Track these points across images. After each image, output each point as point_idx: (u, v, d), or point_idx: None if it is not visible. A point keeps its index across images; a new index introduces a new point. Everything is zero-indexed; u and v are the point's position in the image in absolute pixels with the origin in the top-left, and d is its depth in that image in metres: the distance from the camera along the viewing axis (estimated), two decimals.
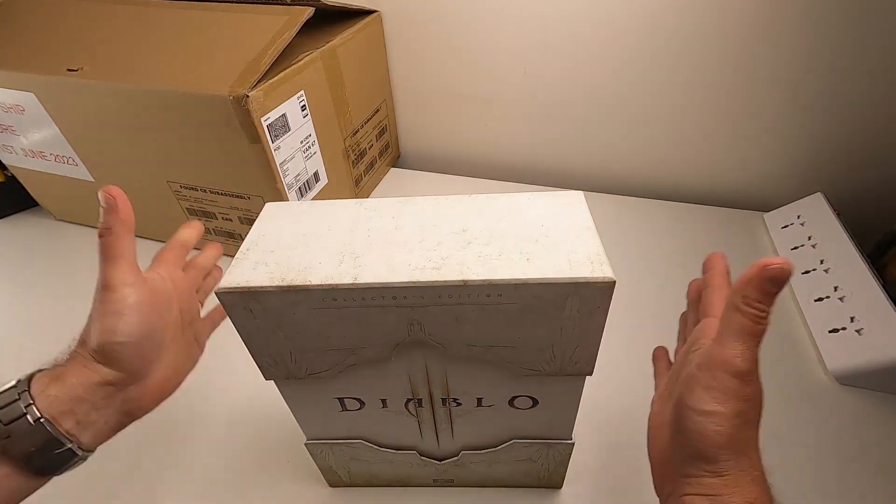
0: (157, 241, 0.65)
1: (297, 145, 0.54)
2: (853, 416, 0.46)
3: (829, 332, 0.49)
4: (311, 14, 0.52)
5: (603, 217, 0.68)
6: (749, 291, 0.24)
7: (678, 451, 0.25)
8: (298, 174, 0.55)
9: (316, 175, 0.59)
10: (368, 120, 0.69)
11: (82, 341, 0.27)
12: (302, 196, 0.57)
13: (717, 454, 0.23)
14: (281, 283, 0.24)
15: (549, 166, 0.76)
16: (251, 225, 0.54)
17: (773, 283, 0.23)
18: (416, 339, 0.26)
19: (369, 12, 0.67)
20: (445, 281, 0.23)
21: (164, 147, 0.53)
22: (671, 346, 0.52)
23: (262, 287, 0.24)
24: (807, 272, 0.55)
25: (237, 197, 0.55)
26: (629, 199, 0.71)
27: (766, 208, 0.67)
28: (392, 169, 0.80)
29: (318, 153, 0.58)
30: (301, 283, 0.24)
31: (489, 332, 0.26)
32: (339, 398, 0.31)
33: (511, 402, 0.31)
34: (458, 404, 0.31)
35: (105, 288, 0.27)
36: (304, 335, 0.26)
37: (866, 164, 0.62)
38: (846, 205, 0.63)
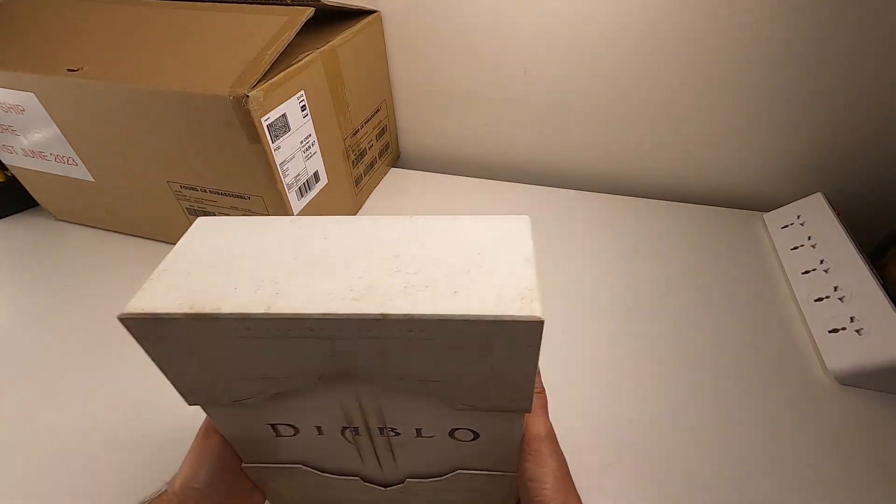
0: (157, 240, 0.67)
1: (297, 145, 0.54)
2: (853, 416, 0.46)
3: (829, 332, 0.49)
4: (312, 14, 0.52)
5: (603, 217, 0.69)
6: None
7: None
8: (298, 174, 0.55)
9: (316, 175, 0.59)
10: (368, 120, 0.69)
11: (172, 482, 0.31)
12: (302, 196, 0.57)
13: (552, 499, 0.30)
14: (189, 311, 0.22)
15: (549, 166, 0.76)
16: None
17: None
18: (341, 370, 0.25)
19: (369, 12, 0.67)
20: (363, 314, 0.22)
21: (164, 147, 0.53)
22: (677, 347, 0.53)
23: (168, 314, 0.22)
24: (807, 272, 0.55)
25: (237, 197, 0.55)
26: (629, 199, 0.71)
27: (766, 208, 0.67)
28: (392, 169, 0.80)
29: (318, 153, 0.58)
30: (210, 311, 0.22)
31: (417, 366, 0.24)
32: (270, 424, 0.29)
33: (451, 434, 0.30)
34: (397, 434, 0.30)
35: (206, 431, 0.31)
36: (221, 363, 0.25)
37: (866, 164, 0.62)
38: (846, 205, 0.63)
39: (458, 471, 0.33)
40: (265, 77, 0.48)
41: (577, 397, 0.47)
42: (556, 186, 0.74)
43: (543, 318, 0.22)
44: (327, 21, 0.62)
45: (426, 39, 0.68)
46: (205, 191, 0.56)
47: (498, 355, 0.23)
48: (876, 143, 0.61)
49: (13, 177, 0.68)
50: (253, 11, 0.54)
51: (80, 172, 0.61)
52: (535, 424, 0.31)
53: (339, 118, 0.62)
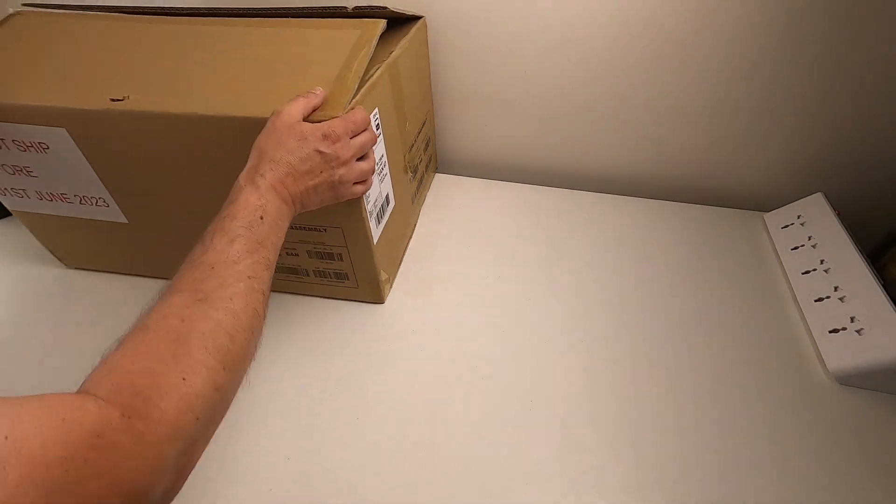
0: None
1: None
2: (853, 416, 0.46)
3: (829, 332, 0.49)
4: (385, 28, 0.48)
5: (602, 217, 0.69)
6: None
7: None
8: (376, 199, 0.50)
9: (388, 198, 0.53)
10: (420, 133, 0.64)
11: None
12: (379, 223, 0.52)
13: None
14: None
15: (546, 165, 0.76)
16: (322, 259, 0.53)
17: None
18: None
19: (415, 18, 0.60)
20: None
21: (226, 179, 0.44)
22: (677, 347, 0.53)
23: None
24: (807, 272, 0.55)
25: (310, 230, 0.50)
26: (629, 199, 0.71)
27: (766, 208, 0.67)
28: (435, 175, 0.77)
29: (388, 175, 0.53)
30: None
31: None
32: None
33: None
34: None
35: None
36: None
37: (866, 164, 0.62)
38: (846, 205, 0.63)
39: None
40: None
41: (577, 397, 0.47)
42: (554, 186, 0.74)
43: None
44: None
45: (462, 42, 0.66)
46: None
47: None
48: (876, 143, 0.61)
49: None
50: (316, 26, 0.49)
51: (112, 214, 0.53)
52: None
53: (401, 134, 0.56)
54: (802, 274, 0.56)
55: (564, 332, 0.53)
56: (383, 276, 0.55)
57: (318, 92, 0.41)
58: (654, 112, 0.66)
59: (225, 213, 0.35)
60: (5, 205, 0.55)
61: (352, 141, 0.41)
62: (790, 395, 0.47)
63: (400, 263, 0.61)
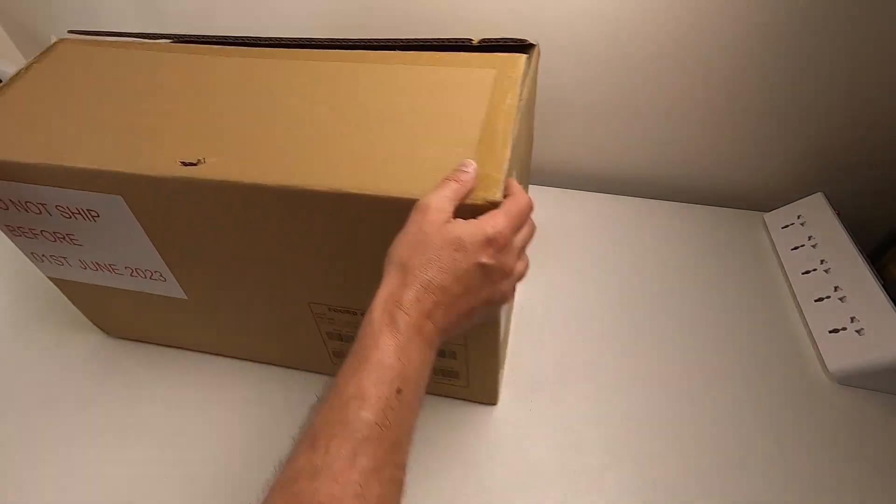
0: (281, 366, 0.51)
1: None
2: (853, 416, 0.46)
3: (830, 332, 0.49)
4: (526, 65, 0.38)
5: (602, 217, 0.69)
6: None
7: None
8: None
9: None
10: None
11: None
12: (506, 319, 0.46)
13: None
14: None
15: (540, 164, 0.76)
16: (442, 358, 0.41)
17: None
18: None
19: (530, 45, 0.43)
20: None
21: (323, 261, 0.37)
22: (677, 347, 0.53)
23: None
24: (807, 272, 0.55)
25: None
26: (629, 199, 0.71)
27: (766, 208, 0.67)
28: None
29: None
30: None
31: None
32: None
33: None
34: None
35: None
36: None
37: (866, 164, 0.62)
38: (846, 205, 0.63)
39: None
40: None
41: (577, 397, 0.47)
42: (554, 186, 0.74)
43: None
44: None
45: None
46: (356, 313, 0.42)
47: None
48: (876, 143, 0.61)
49: None
50: (438, 62, 0.39)
51: (168, 289, 0.45)
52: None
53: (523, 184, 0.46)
54: (802, 274, 0.56)
55: (564, 331, 0.53)
56: (502, 374, 0.47)
57: (469, 170, 0.30)
58: (654, 112, 0.66)
59: (350, 381, 0.25)
60: (41, 271, 0.47)
61: (515, 240, 0.30)
62: (790, 395, 0.47)
63: (506, 352, 0.51)
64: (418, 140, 0.34)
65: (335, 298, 0.41)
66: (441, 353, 0.40)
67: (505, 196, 0.31)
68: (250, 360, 0.52)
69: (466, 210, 0.30)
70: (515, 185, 0.31)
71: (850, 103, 0.58)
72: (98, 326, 0.53)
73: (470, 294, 0.28)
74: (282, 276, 0.40)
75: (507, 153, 0.32)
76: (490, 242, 0.28)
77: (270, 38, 0.43)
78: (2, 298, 0.58)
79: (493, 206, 0.30)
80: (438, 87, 0.37)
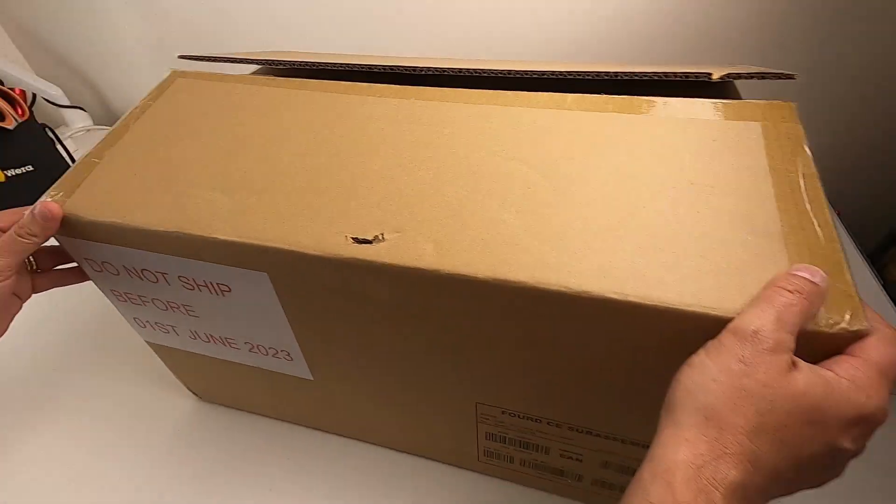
0: (438, 461, 0.43)
1: None
2: None
3: None
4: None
5: None
6: None
7: None
8: None
9: None
10: None
11: None
12: None
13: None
14: None
15: None
16: (621, 473, 0.34)
17: None
18: None
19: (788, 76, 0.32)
20: None
21: (519, 365, 0.29)
22: None
23: None
24: None
25: (609, 438, 0.32)
26: None
27: None
28: None
29: None
30: None
31: None
32: None
33: None
34: None
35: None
36: None
37: (866, 164, 0.62)
38: (846, 205, 0.63)
39: None
40: None
41: None
42: None
43: None
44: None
45: None
46: (540, 421, 0.33)
47: None
48: (876, 143, 0.61)
49: (14, 177, 0.61)
50: (675, 111, 0.29)
51: (292, 368, 0.37)
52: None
53: None
54: None
55: None
56: None
57: (816, 278, 0.20)
58: None
59: None
60: (140, 335, 0.40)
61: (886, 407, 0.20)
62: None
63: None
64: (690, 229, 0.24)
65: (516, 403, 0.32)
66: (630, 472, 0.26)
67: None
68: (366, 442, 0.44)
69: (813, 342, 0.20)
70: (867, 306, 0.20)
71: (851, 104, 0.59)
72: (191, 391, 0.47)
73: (801, 480, 0.20)
74: (452, 372, 0.32)
75: (839, 249, 0.23)
76: (863, 420, 0.19)
77: (416, 67, 0.35)
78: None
79: (856, 338, 0.20)
80: (684, 144, 0.27)
